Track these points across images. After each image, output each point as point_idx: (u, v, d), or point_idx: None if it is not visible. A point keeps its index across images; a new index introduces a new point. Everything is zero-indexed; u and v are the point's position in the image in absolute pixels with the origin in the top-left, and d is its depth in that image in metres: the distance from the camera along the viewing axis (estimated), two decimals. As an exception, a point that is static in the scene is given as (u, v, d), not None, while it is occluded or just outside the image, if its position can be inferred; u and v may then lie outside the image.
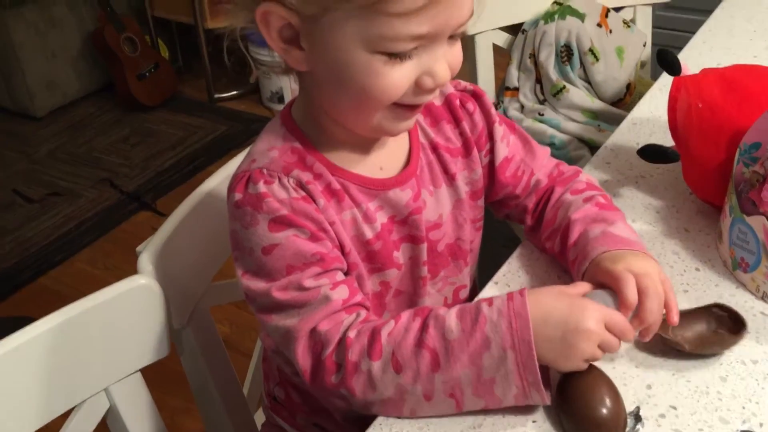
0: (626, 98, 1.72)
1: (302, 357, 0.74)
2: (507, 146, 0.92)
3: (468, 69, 1.73)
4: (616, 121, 1.69)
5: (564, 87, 1.68)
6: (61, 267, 2.56)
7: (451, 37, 0.73)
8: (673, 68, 0.97)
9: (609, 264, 0.78)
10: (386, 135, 0.81)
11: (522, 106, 1.74)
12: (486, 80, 1.74)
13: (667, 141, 1.04)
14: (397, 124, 0.77)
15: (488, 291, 0.89)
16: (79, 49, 3.46)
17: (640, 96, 1.72)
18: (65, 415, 0.85)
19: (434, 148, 0.88)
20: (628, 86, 1.72)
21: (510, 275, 0.92)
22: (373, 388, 0.72)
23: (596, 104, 1.69)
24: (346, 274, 0.79)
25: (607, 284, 0.77)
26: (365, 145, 0.82)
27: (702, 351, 0.78)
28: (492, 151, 0.91)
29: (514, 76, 1.75)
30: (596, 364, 0.76)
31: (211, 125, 3.33)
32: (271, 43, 0.73)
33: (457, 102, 0.90)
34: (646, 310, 0.75)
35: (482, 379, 0.70)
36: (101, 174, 3.02)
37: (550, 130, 1.67)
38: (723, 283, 0.89)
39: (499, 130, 0.91)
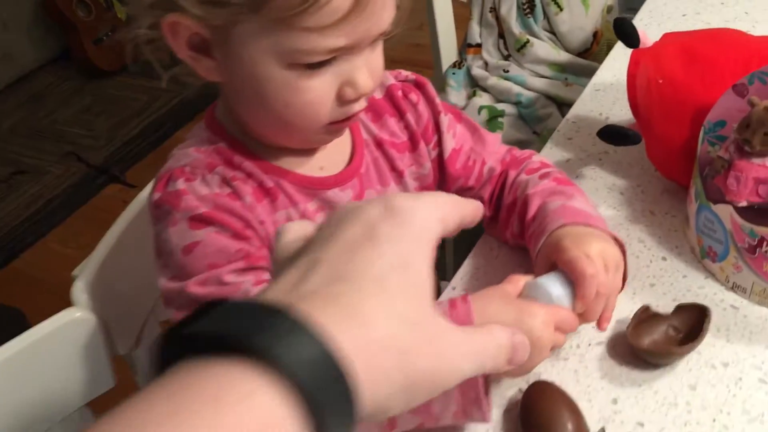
0: (593, 47, 1.64)
1: None
2: (454, 137, 0.87)
3: (427, 26, 1.64)
4: (584, 72, 1.62)
5: (528, 41, 1.60)
6: (32, 249, 2.50)
7: (373, 42, 0.67)
8: (631, 40, 0.90)
9: (569, 244, 0.71)
10: (317, 146, 0.77)
11: (486, 64, 1.66)
12: (446, 38, 1.66)
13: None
14: (328, 138, 0.74)
15: (446, 297, 0.84)
16: (32, 17, 3.32)
17: (608, 44, 1.65)
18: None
19: (379, 144, 0.82)
20: (595, 34, 1.64)
21: (467, 278, 0.87)
22: None
23: (562, 56, 1.62)
24: None
25: (563, 267, 0.71)
26: (302, 147, 0.77)
27: (657, 360, 0.74)
28: (440, 143, 0.86)
29: (475, 32, 1.67)
30: (558, 381, 0.72)
31: (176, 87, 3.22)
32: (178, 51, 0.67)
33: (400, 93, 0.84)
34: (590, 311, 0.69)
35: None
36: (66, 147, 2.93)
37: (516, 88, 1.59)
38: (691, 274, 0.84)
39: (445, 120, 0.86)
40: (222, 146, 0.74)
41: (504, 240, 0.88)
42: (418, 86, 0.86)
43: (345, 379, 0.32)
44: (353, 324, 0.35)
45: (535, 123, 1.58)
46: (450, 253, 1.71)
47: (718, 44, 0.88)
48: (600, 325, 0.72)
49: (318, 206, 0.77)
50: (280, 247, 0.42)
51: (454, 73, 1.68)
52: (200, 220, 0.69)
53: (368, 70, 0.68)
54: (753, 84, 0.80)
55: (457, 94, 1.66)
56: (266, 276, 0.71)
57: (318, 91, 0.66)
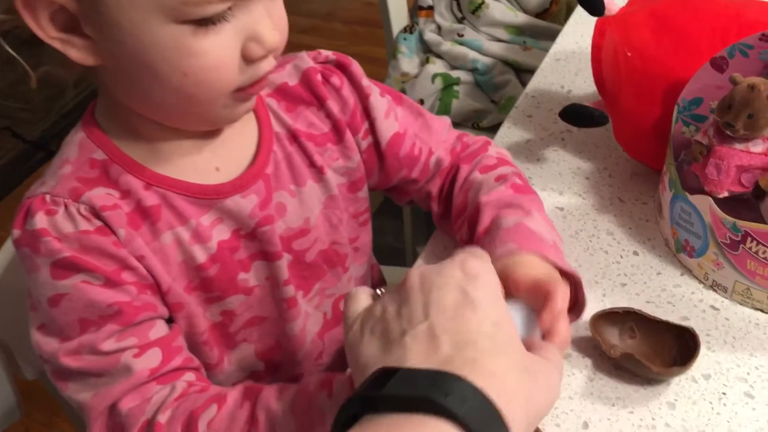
0: (552, 7, 1.54)
1: None
2: (396, 120, 0.76)
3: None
4: (543, 35, 1.52)
5: (483, 2, 1.50)
6: (-33, 234, 2.36)
7: None
8: (595, 7, 0.81)
9: (526, 272, 0.61)
10: (224, 124, 0.65)
11: (439, 28, 1.55)
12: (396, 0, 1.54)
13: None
14: (236, 110, 0.62)
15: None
16: (-43, -18, 3.11)
17: (568, 4, 1.55)
18: None
19: (294, 136, 0.71)
20: (554, -7, 1.54)
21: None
22: None
23: (520, 18, 1.51)
24: (170, 320, 0.65)
25: (524, 294, 0.59)
26: (196, 141, 0.65)
27: (645, 374, 0.66)
28: (373, 131, 0.75)
29: (426, -7, 1.56)
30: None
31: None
32: (42, 35, 0.54)
33: (319, 77, 0.72)
34: (559, 329, 0.57)
35: None
36: (0, 122, 2.76)
37: (472, 53, 1.49)
38: (666, 270, 0.76)
39: (380, 103, 0.74)
40: (98, 156, 0.62)
41: (457, 239, 0.79)
42: (341, 68, 0.74)
43: (506, 430, 0.41)
44: (493, 384, 0.42)
45: (493, 91, 1.48)
46: (408, 241, 1.63)
47: (692, 10, 0.79)
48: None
49: (215, 219, 0.65)
50: (352, 312, 0.51)
51: (405, 39, 1.57)
52: (64, 267, 0.59)
53: (271, 22, 0.57)
54: (733, 57, 0.71)
55: (408, 61, 1.56)
56: (156, 332, 0.61)
57: (219, 52, 0.55)
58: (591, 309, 0.72)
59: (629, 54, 0.78)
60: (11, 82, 2.55)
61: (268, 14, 0.57)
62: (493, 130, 1.24)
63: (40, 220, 0.58)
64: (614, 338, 0.68)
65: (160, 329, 0.62)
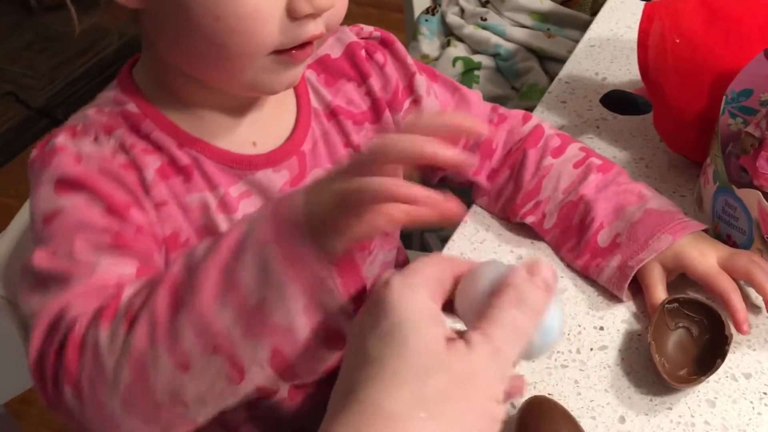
0: (579, -5, 1.52)
1: (33, 349, 0.50)
2: (436, 98, 0.75)
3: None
4: (567, 23, 1.49)
5: (508, -14, 1.47)
6: (-32, 199, 2.33)
7: None
8: (643, -9, 0.78)
9: (692, 264, 0.68)
10: (266, 92, 0.61)
11: (462, 10, 1.52)
12: (420, -20, 1.51)
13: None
14: (279, 76, 0.57)
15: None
16: (-36, -58, 3.06)
17: (595, -9, 1.52)
18: None
19: (332, 113, 0.69)
20: (581, -19, 1.51)
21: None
22: (101, 371, 0.47)
23: (545, 4, 1.48)
24: None
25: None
26: (234, 110, 0.63)
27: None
28: (418, 109, 0.73)
29: (451, -26, 1.53)
30: (556, 394, 0.62)
31: (124, 24, 3.02)
32: None
33: (363, 53, 0.71)
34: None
35: (248, 306, 0.46)
36: (4, 87, 2.72)
37: (494, 38, 1.46)
38: (705, 264, 0.73)
39: (421, 81, 0.73)
40: (130, 108, 0.60)
41: (505, 216, 0.78)
42: (385, 44, 0.72)
43: None
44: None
45: (514, 77, 1.45)
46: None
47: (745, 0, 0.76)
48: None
49: (244, 191, 0.63)
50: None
51: (427, 20, 1.54)
52: (68, 184, 0.55)
53: None
54: (789, 48, 0.69)
55: (429, 44, 1.53)
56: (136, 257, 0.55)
57: (258, 3, 0.52)
58: (622, 310, 0.70)
59: (677, 41, 0.76)
60: (16, 47, 2.50)
61: None
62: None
63: (62, 139, 0.56)
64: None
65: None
